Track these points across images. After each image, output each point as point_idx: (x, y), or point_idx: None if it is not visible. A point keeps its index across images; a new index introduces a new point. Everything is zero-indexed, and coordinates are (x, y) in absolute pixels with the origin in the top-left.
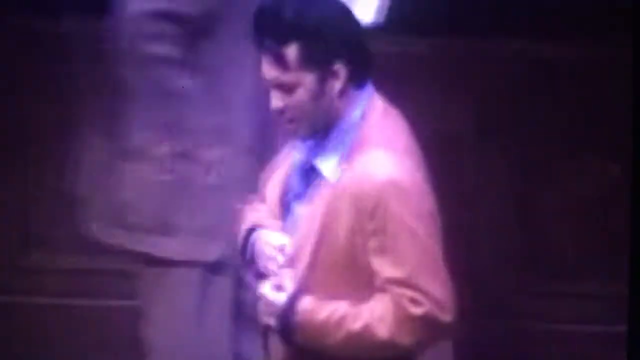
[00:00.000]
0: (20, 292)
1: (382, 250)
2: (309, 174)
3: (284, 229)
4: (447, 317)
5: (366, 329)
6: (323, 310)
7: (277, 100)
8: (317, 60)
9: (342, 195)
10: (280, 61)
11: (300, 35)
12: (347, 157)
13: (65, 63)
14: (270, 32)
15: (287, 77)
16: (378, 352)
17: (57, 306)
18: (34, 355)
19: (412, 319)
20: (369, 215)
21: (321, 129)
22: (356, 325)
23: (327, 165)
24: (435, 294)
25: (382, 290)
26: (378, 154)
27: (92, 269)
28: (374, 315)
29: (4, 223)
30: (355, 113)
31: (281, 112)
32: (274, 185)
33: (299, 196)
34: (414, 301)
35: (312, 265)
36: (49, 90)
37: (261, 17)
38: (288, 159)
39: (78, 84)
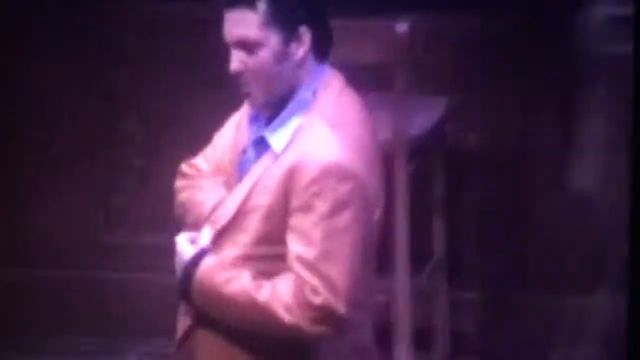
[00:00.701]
0: (105, 268)
1: (299, 228)
2: (259, 142)
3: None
4: (342, 309)
5: (265, 304)
6: (225, 272)
7: (237, 62)
8: (284, 20)
9: (280, 167)
10: (247, 19)
11: None
12: (296, 132)
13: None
14: None
15: (253, 36)
16: (273, 331)
17: (141, 281)
18: (119, 329)
19: (310, 306)
20: (300, 191)
21: (276, 99)
22: (256, 297)
23: (275, 137)
24: (336, 284)
25: (290, 268)
26: (325, 133)
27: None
28: (275, 291)
29: (88, 201)
30: (311, 88)
31: (238, 73)
32: (227, 144)
33: (248, 161)
34: (314, 290)
35: (228, 226)
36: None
37: None
38: (243, 121)
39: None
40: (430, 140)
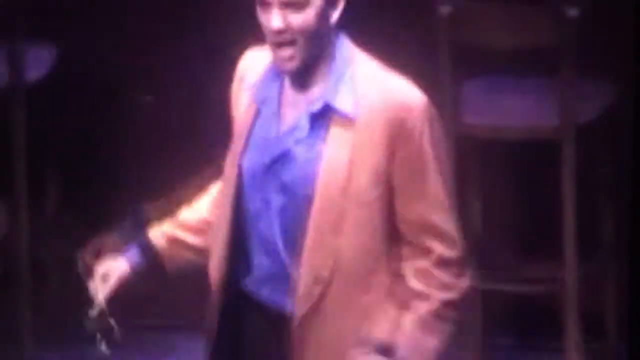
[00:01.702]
0: None
1: (415, 187)
2: (313, 118)
3: (275, 180)
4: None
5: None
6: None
7: (279, 19)
8: None
9: (372, 126)
10: None
11: None
12: (357, 89)
13: None
14: None
15: None
16: (461, 310)
17: None
18: None
19: (456, 265)
20: (407, 138)
21: (313, 60)
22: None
23: (343, 101)
24: (452, 233)
25: (413, 237)
26: (396, 82)
27: None
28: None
29: None
30: (343, 49)
31: (281, 32)
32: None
33: (289, 149)
34: (451, 245)
35: (336, 206)
36: None
37: None
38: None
39: None
40: (598, 126)
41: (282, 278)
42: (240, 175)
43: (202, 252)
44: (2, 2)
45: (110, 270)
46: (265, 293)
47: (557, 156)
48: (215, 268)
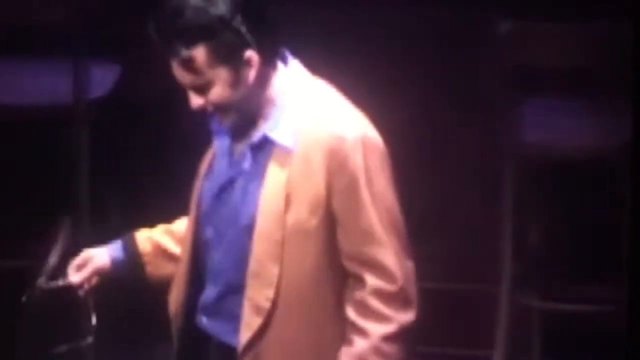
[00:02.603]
0: None
1: (349, 218)
2: (254, 150)
3: (213, 215)
4: (402, 284)
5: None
6: None
7: (196, 99)
8: (228, 54)
9: (309, 157)
10: (190, 65)
11: (206, 35)
12: (298, 124)
13: None
14: (175, 37)
15: (201, 79)
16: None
17: None
18: None
19: (395, 299)
20: (340, 169)
21: (249, 112)
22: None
23: (282, 134)
24: (393, 269)
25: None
26: (336, 113)
27: None
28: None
29: None
30: (285, 86)
31: (202, 109)
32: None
33: (234, 178)
34: (388, 278)
35: (275, 238)
36: None
37: (163, 25)
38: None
39: None
40: None
41: (228, 308)
42: (198, 207)
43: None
44: (66, 20)
45: (90, 258)
46: (213, 324)
47: (613, 175)
48: (175, 300)
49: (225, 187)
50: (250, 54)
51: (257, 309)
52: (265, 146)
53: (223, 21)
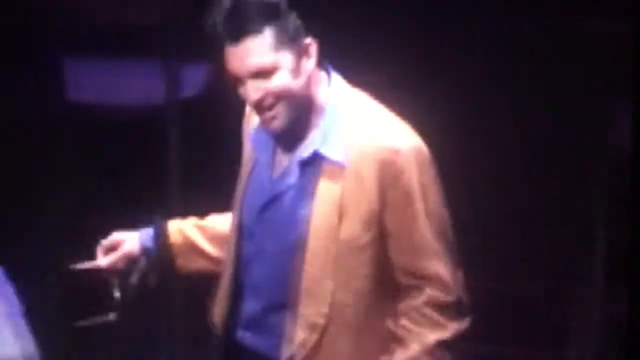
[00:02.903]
0: None
1: (404, 231)
2: (302, 166)
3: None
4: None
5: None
6: None
7: (255, 91)
8: (293, 37)
9: (362, 172)
10: (257, 47)
11: (275, 15)
12: (348, 138)
13: None
14: (244, 20)
15: (267, 62)
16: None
17: None
18: None
19: (452, 308)
20: (394, 183)
21: (298, 116)
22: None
23: (333, 149)
24: (448, 280)
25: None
26: (386, 125)
27: None
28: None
29: None
30: (330, 94)
31: (261, 101)
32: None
33: (280, 194)
34: (443, 289)
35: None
36: None
37: (231, 9)
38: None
39: None
40: None
41: (272, 324)
42: (240, 219)
43: (214, 262)
44: (157, 21)
45: (120, 243)
46: (255, 339)
47: None
48: (218, 313)
49: (270, 203)
50: (310, 41)
51: (312, 326)
52: (314, 161)
53: (289, 2)
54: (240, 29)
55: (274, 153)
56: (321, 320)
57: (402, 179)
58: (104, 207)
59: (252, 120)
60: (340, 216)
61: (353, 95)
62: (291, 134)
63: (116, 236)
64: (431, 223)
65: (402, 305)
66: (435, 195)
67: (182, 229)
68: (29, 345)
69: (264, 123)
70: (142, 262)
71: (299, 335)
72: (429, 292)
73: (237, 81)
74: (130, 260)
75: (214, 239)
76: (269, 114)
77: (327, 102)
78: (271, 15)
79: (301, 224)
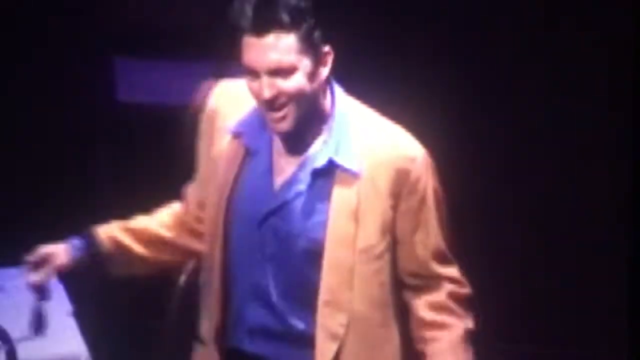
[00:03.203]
0: None
1: (417, 237)
2: (318, 171)
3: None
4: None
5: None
6: None
7: (270, 88)
8: (315, 43)
9: (376, 180)
10: (283, 45)
11: (307, 16)
12: (361, 147)
13: None
14: (276, 16)
15: (288, 62)
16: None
17: None
18: None
19: (468, 300)
20: (411, 189)
21: (305, 121)
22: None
23: (348, 158)
24: (460, 277)
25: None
26: (397, 134)
27: None
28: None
29: None
30: (339, 102)
31: (273, 99)
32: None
33: (288, 201)
34: (459, 284)
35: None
36: None
37: (265, 3)
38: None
39: None
40: None
41: (276, 329)
42: (229, 224)
43: (144, 263)
44: (209, 23)
45: (48, 257)
46: (257, 344)
47: None
48: (209, 319)
49: (277, 211)
50: (328, 50)
51: (332, 336)
52: (327, 170)
53: (317, 8)
54: (270, 23)
55: (273, 157)
56: (341, 331)
57: (418, 186)
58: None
59: (224, 116)
60: (357, 225)
61: (356, 105)
62: (296, 139)
63: (42, 250)
64: (442, 227)
65: (424, 300)
66: (443, 201)
67: (111, 234)
68: (83, 343)
69: (271, 122)
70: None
71: (318, 345)
72: (449, 287)
73: (252, 74)
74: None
75: (146, 241)
76: (279, 114)
77: (334, 110)
78: (301, 17)
79: (315, 233)
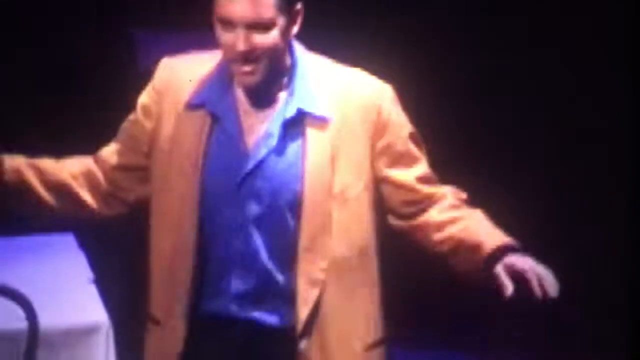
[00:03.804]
0: None
1: (404, 162)
2: (286, 126)
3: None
4: None
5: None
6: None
7: (246, 41)
8: (291, 1)
9: (347, 123)
10: (264, 2)
11: None
12: (325, 92)
13: None
14: None
15: (267, 17)
16: None
17: None
18: None
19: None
20: (385, 124)
21: (271, 74)
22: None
23: (316, 105)
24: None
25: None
26: (360, 76)
27: None
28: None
29: None
30: (298, 54)
31: (247, 53)
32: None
33: (265, 159)
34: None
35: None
36: None
37: None
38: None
39: None
40: None
41: (266, 290)
42: (203, 190)
43: (38, 206)
44: None
45: None
46: (246, 308)
47: None
48: (179, 295)
49: (253, 171)
50: (300, 7)
51: (313, 282)
52: (297, 120)
53: None
54: None
55: (240, 119)
56: (321, 276)
57: (390, 120)
58: None
59: (174, 90)
60: (332, 169)
61: (314, 57)
62: (261, 94)
63: None
64: (422, 154)
65: (431, 213)
66: (416, 131)
67: (16, 167)
68: (104, 311)
69: (239, 75)
70: None
71: (300, 292)
72: (450, 193)
73: (226, 26)
74: None
75: (51, 184)
76: (248, 67)
77: (295, 63)
78: None
79: (294, 184)
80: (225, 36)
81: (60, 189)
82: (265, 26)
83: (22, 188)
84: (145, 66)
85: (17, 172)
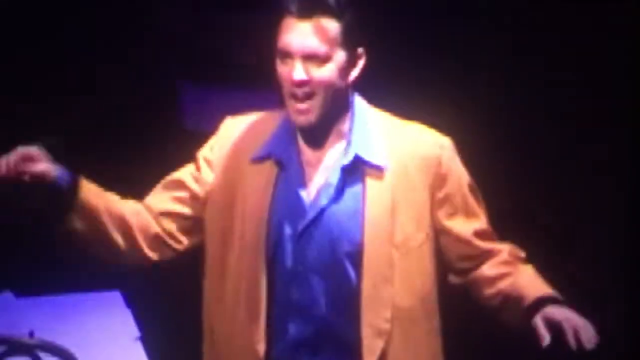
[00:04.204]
0: None
1: (462, 216)
2: (344, 173)
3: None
4: None
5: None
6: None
7: (302, 72)
8: (353, 39)
9: (407, 175)
10: (323, 33)
11: (348, 10)
12: (384, 142)
13: None
14: (324, 4)
15: (324, 49)
16: None
17: None
18: None
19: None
20: (445, 176)
21: (329, 116)
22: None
23: (374, 154)
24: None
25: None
26: (420, 129)
27: None
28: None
29: None
30: (358, 105)
31: (302, 84)
32: (256, 204)
33: (326, 207)
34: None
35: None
36: None
37: None
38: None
39: None
40: None
41: (325, 340)
42: (267, 238)
43: (96, 237)
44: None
45: (34, 157)
46: (307, 358)
47: None
48: (257, 341)
49: (315, 220)
50: (362, 52)
51: (378, 332)
52: (354, 167)
53: (362, 7)
54: (315, 6)
55: (303, 167)
56: (386, 326)
57: (450, 173)
58: None
59: (243, 149)
60: (393, 219)
61: (374, 110)
62: (320, 140)
63: (30, 150)
64: (480, 208)
65: (484, 269)
66: (475, 184)
67: (96, 190)
68: None
69: (295, 114)
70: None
71: (365, 343)
72: (506, 250)
73: (285, 58)
74: (39, 180)
75: (115, 216)
76: (304, 105)
77: (353, 112)
78: (346, 7)
79: (354, 234)
80: (283, 68)
81: (120, 223)
82: (322, 59)
83: (85, 211)
84: (191, 124)
85: (91, 191)
